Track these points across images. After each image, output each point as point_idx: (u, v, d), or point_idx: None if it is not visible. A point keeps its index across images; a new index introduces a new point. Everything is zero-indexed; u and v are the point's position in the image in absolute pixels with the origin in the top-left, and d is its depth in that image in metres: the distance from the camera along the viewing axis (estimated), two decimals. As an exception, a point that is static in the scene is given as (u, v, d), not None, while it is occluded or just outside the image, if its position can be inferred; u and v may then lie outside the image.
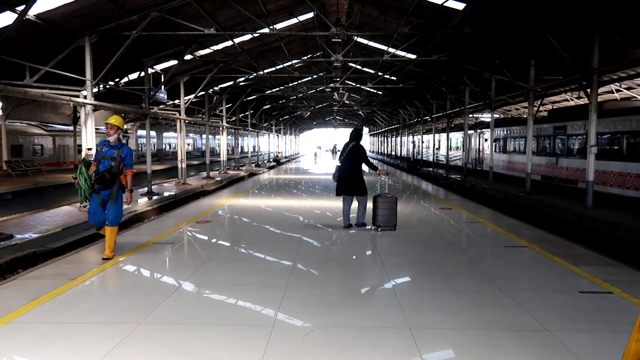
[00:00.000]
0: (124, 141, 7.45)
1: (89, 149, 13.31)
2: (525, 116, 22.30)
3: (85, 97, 13.43)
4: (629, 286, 5.65)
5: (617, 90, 22.56)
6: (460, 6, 14.34)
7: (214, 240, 8.51)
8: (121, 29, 13.46)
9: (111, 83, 17.78)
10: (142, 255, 7.19)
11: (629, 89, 22.33)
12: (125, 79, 19.46)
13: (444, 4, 14.46)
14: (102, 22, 13.05)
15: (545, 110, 26.45)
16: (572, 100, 26.18)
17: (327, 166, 36.18)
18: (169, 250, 7.64)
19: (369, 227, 9.46)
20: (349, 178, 9.40)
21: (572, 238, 9.12)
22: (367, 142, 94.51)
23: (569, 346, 4.01)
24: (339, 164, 9.53)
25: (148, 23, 13.37)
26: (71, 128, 29.14)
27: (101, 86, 16.12)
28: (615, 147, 15.09)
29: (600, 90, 18.37)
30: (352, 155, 9.41)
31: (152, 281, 6.06)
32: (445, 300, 5.22)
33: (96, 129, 14.08)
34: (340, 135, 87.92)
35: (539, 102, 19.60)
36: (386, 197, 9.16)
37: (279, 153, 57.47)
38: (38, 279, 5.90)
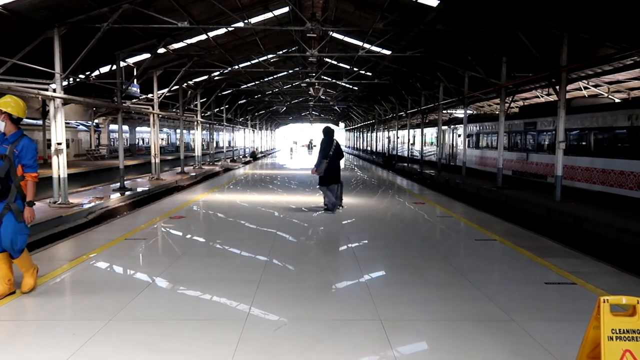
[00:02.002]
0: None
1: (59, 144, 13.03)
2: (497, 112, 22.72)
3: (54, 90, 13.11)
4: (593, 277, 5.85)
5: (585, 88, 23.17)
6: (434, 3, 14.49)
7: (187, 236, 8.45)
8: (92, 21, 13.17)
9: (82, 76, 17.41)
10: (114, 251, 7.09)
11: (596, 86, 22.95)
12: (97, 72, 19.05)
13: (418, 1, 14.60)
14: (72, 13, 12.74)
15: (516, 107, 27.00)
16: (542, 97, 26.77)
17: (302, 161, 36.20)
18: (142, 246, 7.56)
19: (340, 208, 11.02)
20: (337, 170, 10.76)
21: (541, 231, 9.37)
22: (343, 137, 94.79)
23: (535, 336, 4.14)
24: (327, 159, 10.52)
25: (120, 15, 13.12)
26: (40, 122, 28.42)
27: (71, 79, 15.77)
28: (583, 143, 15.53)
29: (569, 87, 18.83)
30: (339, 151, 10.81)
31: (124, 277, 6.00)
32: (417, 293, 5.31)
33: (66, 123, 13.78)
34: (317, 131, 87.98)
35: (510, 99, 19.99)
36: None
37: (255, 148, 57.36)
38: (5, 276, 5.76)
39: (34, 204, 4.98)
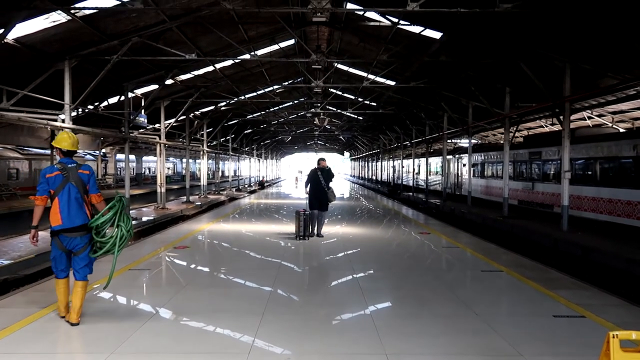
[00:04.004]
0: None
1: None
2: (501, 142, 22.77)
3: (63, 121, 13.31)
4: (602, 310, 5.75)
5: (589, 118, 23.23)
6: (437, 35, 14.74)
7: (192, 266, 8.41)
8: (101, 53, 13.47)
9: (90, 107, 17.67)
10: (118, 281, 7.05)
11: (600, 116, 23.01)
12: (105, 103, 19.35)
13: (422, 33, 14.85)
14: (83, 46, 13.05)
15: (521, 136, 27.06)
16: (546, 126, 26.85)
17: (308, 190, 36.17)
18: (145, 276, 7.52)
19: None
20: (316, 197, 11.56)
21: (548, 262, 9.27)
22: (348, 166, 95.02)
23: (543, 371, 4.06)
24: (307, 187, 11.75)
25: (129, 48, 13.41)
26: (48, 152, 28.71)
27: (80, 110, 16.00)
28: (589, 173, 15.49)
29: (573, 117, 18.90)
30: (315, 180, 11.66)
31: (127, 308, 5.95)
32: (422, 325, 5.23)
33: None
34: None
35: (514, 128, 20.07)
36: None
37: (263, 177, 58.00)
38: (8, 307, 5.74)
39: (37, 228, 5.09)
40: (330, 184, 11.63)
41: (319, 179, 11.43)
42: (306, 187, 11.77)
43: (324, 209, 11.59)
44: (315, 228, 11.55)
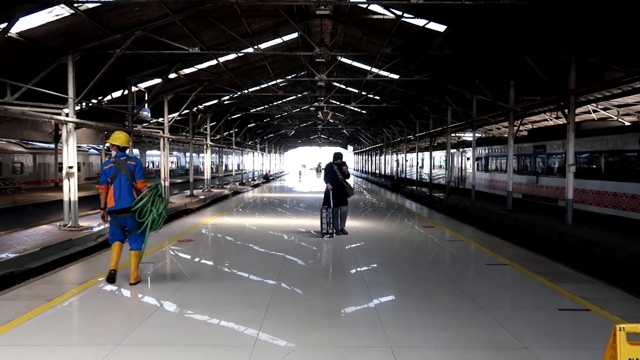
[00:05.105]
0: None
1: (70, 167, 13.17)
2: (506, 135, 22.69)
3: (67, 115, 13.33)
4: (607, 303, 5.73)
5: (594, 111, 23.11)
6: (441, 28, 14.66)
7: (196, 260, 8.43)
8: (105, 47, 13.46)
9: (94, 101, 17.68)
10: (122, 274, 7.06)
11: (605, 109, 22.89)
12: (109, 97, 19.36)
13: (426, 26, 14.77)
14: (86, 40, 13.04)
15: (525, 130, 26.94)
16: (551, 120, 26.73)
17: (311, 185, 36.23)
18: (150, 270, 7.54)
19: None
20: (335, 194, 10.80)
21: (552, 256, 9.24)
22: (352, 160, 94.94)
23: (548, 364, 4.05)
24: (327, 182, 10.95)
25: (132, 42, 13.40)
26: (52, 146, 28.83)
27: (84, 104, 16.02)
28: (593, 166, 15.42)
29: (578, 110, 18.79)
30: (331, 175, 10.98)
31: (132, 301, 5.97)
32: (427, 318, 5.23)
33: (78, 146, 13.96)
34: (325, 154, 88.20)
35: (519, 122, 19.96)
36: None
37: (268, 171, 58.24)
38: (14, 300, 5.77)
39: (104, 209, 6.31)
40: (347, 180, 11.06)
41: (336, 174, 10.94)
42: (326, 182, 11.08)
43: (344, 204, 11.01)
44: (339, 224, 10.99)
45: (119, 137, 6.40)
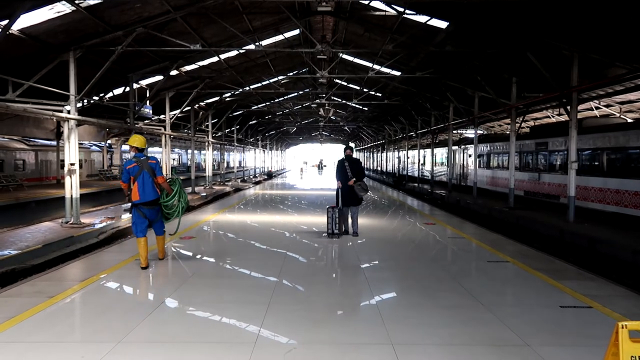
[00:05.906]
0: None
1: (72, 164, 13.18)
2: (507, 132, 22.64)
3: (68, 112, 13.33)
4: (609, 301, 5.72)
5: (597, 108, 23.03)
6: (443, 25, 14.61)
7: (198, 257, 8.44)
8: (106, 44, 13.44)
9: (95, 98, 17.69)
10: (124, 272, 7.10)
11: (607, 106, 22.80)
12: (110, 94, 19.37)
13: (427, 23, 14.73)
14: (87, 37, 13.03)
15: (527, 127, 26.87)
16: (553, 116, 26.65)
17: (313, 182, 36.22)
18: (152, 266, 7.55)
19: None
20: (345, 193, 10.29)
21: (554, 253, 9.23)
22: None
23: (550, 361, 4.04)
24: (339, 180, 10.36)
25: (134, 39, 13.39)
26: (54, 143, 28.84)
27: (85, 101, 16.03)
28: (596, 163, 15.38)
29: (580, 107, 18.74)
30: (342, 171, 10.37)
31: (134, 298, 5.98)
32: (428, 315, 5.23)
33: (79, 143, 13.96)
34: (327, 151, 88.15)
35: (521, 119, 19.91)
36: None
37: (270, 168, 58.52)
38: (16, 296, 5.78)
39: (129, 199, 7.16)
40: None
41: (346, 171, 10.22)
42: (337, 180, 10.40)
43: (354, 204, 10.34)
44: (350, 226, 10.46)
45: (137, 140, 7.16)
